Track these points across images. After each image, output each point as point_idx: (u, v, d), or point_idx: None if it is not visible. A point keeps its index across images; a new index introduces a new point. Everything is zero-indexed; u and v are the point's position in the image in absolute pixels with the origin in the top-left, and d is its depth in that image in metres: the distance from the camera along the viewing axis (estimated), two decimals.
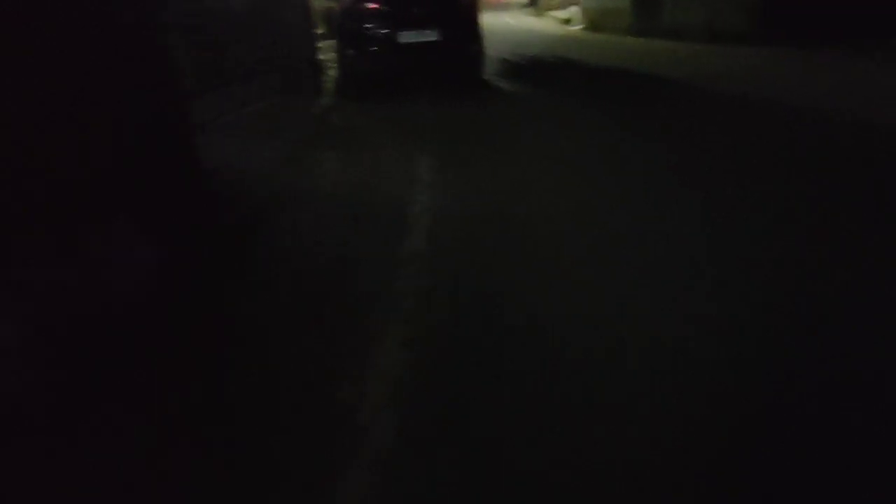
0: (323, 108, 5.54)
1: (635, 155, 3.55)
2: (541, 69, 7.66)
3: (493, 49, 6.35)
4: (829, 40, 7.67)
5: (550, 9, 18.33)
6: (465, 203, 3.00)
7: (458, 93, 5.92)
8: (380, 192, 3.25)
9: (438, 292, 2.11)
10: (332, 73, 6.94)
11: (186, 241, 2.50)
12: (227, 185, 3.40)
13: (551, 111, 5.04)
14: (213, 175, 3.44)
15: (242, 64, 5.69)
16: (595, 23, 12.58)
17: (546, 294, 2.02)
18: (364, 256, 2.44)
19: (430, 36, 5.46)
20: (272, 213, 2.98)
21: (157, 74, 2.50)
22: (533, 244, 2.46)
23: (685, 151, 3.53)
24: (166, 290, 2.14)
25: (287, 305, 2.09)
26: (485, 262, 2.34)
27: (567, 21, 14.39)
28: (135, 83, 2.30)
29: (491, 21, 5.88)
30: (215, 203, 2.82)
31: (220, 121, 4.90)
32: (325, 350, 1.78)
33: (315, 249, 2.53)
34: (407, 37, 5.45)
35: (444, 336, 1.83)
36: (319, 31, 8.62)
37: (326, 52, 7.66)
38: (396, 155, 3.95)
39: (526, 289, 2.08)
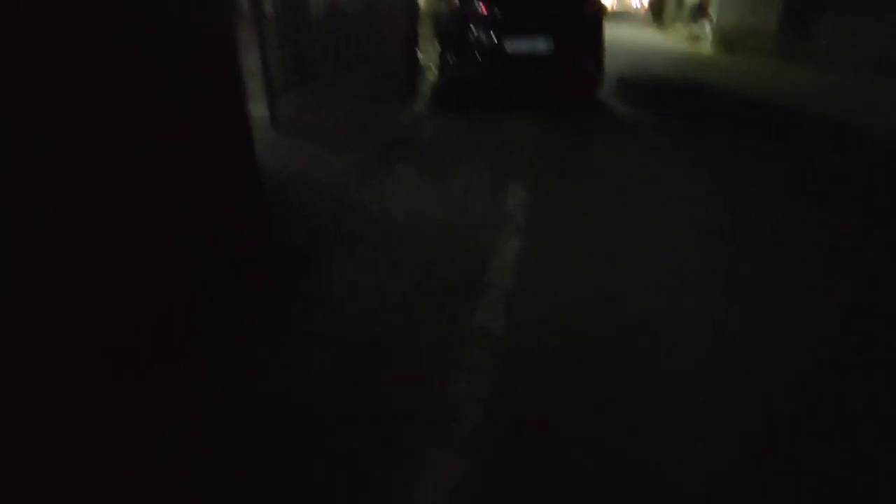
0: (414, 116, 5.11)
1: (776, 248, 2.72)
2: (662, 93, 6.72)
3: (608, 63, 5.56)
4: None
5: (675, 21, 16.84)
6: (560, 265, 2.38)
7: (567, 111, 5.24)
8: (458, 234, 2.71)
9: (508, 407, 1.53)
10: (432, 76, 6.54)
11: (225, 270, 2.13)
12: (291, 203, 3.04)
13: (670, 149, 4.23)
14: (279, 191, 3.10)
15: (337, 58, 5.44)
16: (730, 41, 11.18)
17: (665, 436, 1.38)
18: (420, 335, 1.90)
19: (544, 47, 4.82)
20: (328, 250, 2.54)
21: (225, 76, 2.15)
22: (648, 347, 1.80)
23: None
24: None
25: (302, 406, 1.59)
26: (576, 361, 1.73)
27: (696, 38, 13.01)
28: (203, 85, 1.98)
29: (609, 31, 5.12)
30: (266, 228, 2.44)
31: (304, 121, 4.65)
32: None
33: (362, 317, 2.02)
34: (516, 46, 4.85)
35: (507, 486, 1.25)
36: (424, 30, 8.29)
37: (429, 53, 7.28)
38: (485, 184, 3.40)
39: (635, 420, 1.45)
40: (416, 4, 6.32)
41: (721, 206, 2.98)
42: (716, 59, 10.34)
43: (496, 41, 4.88)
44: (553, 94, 5.61)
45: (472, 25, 4.90)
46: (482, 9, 4.87)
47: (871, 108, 5.53)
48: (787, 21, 9.83)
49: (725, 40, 11.38)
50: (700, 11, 12.88)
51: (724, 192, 3.20)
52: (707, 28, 12.68)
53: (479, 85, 5.39)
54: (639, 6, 29.55)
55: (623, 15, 24.61)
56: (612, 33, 7.98)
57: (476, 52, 4.94)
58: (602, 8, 4.97)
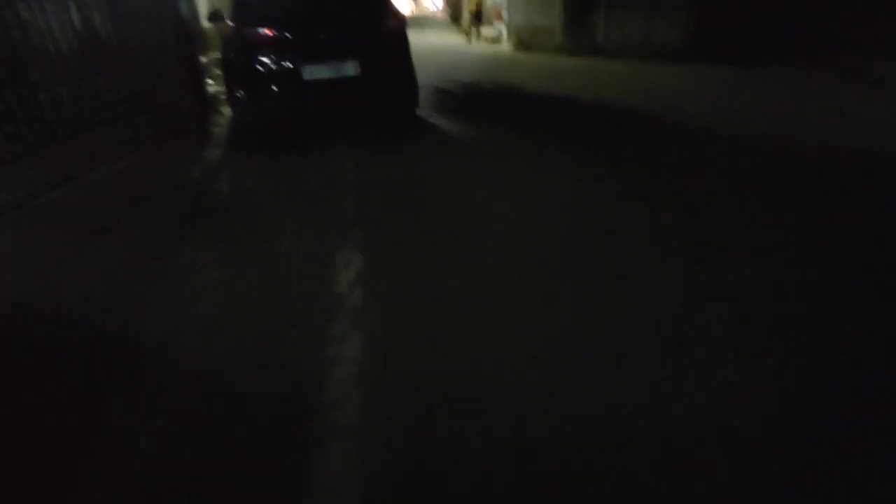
0: (206, 167, 4.13)
1: (642, 242, 2.53)
2: (481, 100, 6.64)
3: (420, 74, 5.20)
4: (753, 58, 8.09)
5: (469, 26, 17.65)
6: (421, 358, 1.82)
7: (389, 137, 4.72)
8: (279, 344, 1.99)
9: None
10: (228, 111, 5.54)
11: None
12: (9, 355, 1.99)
13: (507, 160, 3.98)
14: None
15: (93, 105, 4.20)
16: (524, 41, 11.90)
17: None
18: None
19: (348, 70, 4.21)
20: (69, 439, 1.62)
21: None
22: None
23: (705, 228, 2.56)
24: None
25: None
26: None
27: (495, 40, 13.66)
28: None
29: (413, 40, 4.70)
30: None
31: (38, 204, 3.42)
32: None
33: None
34: (316, 72, 4.16)
35: None
36: (210, 57, 7.13)
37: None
38: (305, 251, 2.70)
39: None
40: (184, 23, 5.22)
41: (574, 220, 2.71)
42: (514, 58, 10.87)
43: (291, 69, 4.13)
44: (369, 120, 5.04)
45: (258, 53, 4.08)
46: (267, 33, 4.07)
47: (646, 90, 6.13)
48: (568, 20, 10.71)
49: (520, 40, 12.08)
50: (477, 18, 14.15)
51: (572, 202, 2.96)
52: (502, 30, 13.38)
53: (281, 120, 4.59)
54: (435, 10, 30.72)
55: (422, 21, 25.26)
56: (417, 41, 7.73)
57: (268, 83, 4.13)
58: (405, 20, 4.53)
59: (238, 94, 4.22)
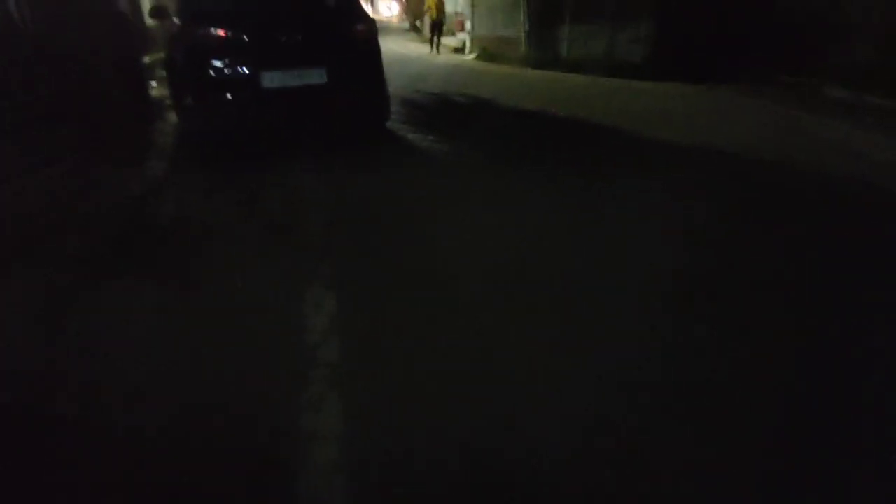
0: (146, 183, 3.62)
1: (637, 272, 2.29)
2: (450, 112, 6.37)
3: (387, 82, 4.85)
4: (709, 76, 8.22)
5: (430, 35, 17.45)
6: (415, 434, 1.47)
7: (357, 152, 4.34)
8: (239, 414, 1.60)
9: None
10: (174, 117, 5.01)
11: None
12: None
13: (484, 180, 3.69)
14: None
15: (10, 109, 3.61)
16: (489, 52, 11.77)
17: None
18: None
19: (314, 77, 3.81)
20: None
21: None
22: None
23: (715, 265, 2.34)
24: None
25: None
26: None
27: (459, 49, 13.48)
28: None
29: None
30: None
31: None
32: None
33: None
34: (277, 79, 3.74)
35: None
36: (154, 57, 6.51)
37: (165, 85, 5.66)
38: (266, 291, 2.30)
39: None
40: (123, 18, 4.67)
41: (565, 253, 2.44)
42: (479, 69, 10.72)
43: (248, 75, 3.69)
44: (335, 134, 4.64)
45: (209, 56, 3.61)
46: (220, 33, 3.62)
47: (615, 105, 6.06)
48: (532, 33, 10.66)
49: (485, 51, 11.94)
50: (435, 26, 13.89)
51: (559, 232, 2.69)
52: (466, 40, 13.23)
53: (235, 132, 4.13)
54: (390, 16, 30.26)
55: (379, 27, 24.91)
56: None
57: (221, 90, 3.67)
58: (375, 25, 4.17)
59: (186, 102, 3.74)
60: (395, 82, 7.64)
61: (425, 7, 15.53)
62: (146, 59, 6.46)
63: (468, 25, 13.21)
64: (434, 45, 13.99)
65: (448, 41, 14.74)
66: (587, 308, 2.12)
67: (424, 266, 2.47)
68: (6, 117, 3.54)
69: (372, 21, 4.16)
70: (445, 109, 6.55)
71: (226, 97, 3.68)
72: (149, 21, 6.75)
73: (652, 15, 9.09)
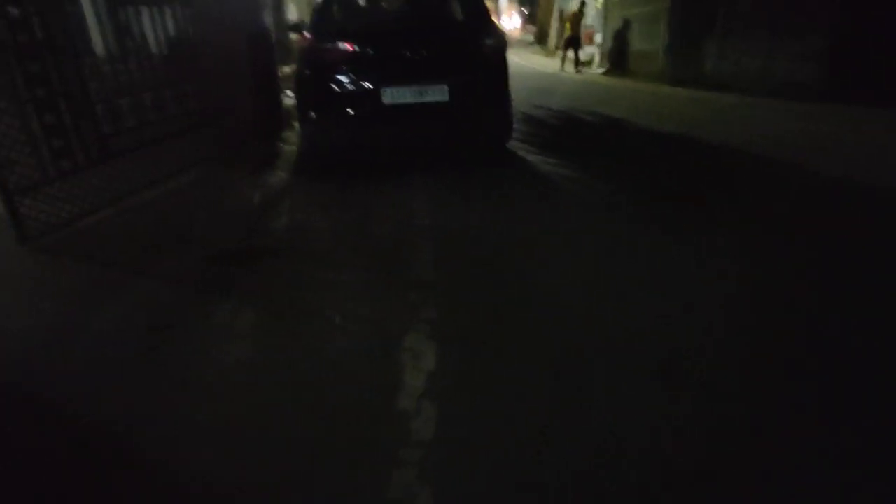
0: (270, 196, 3.65)
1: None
2: (576, 133, 5.88)
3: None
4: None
5: (556, 47, 16.89)
6: None
7: (475, 174, 4.04)
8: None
9: None
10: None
11: None
12: None
13: (613, 219, 3.18)
14: None
15: (157, 119, 3.85)
16: (620, 66, 10.99)
17: None
18: None
19: (435, 95, 3.61)
20: None
21: None
22: None
23: None
24: None
25: None
26: None
27: (587, 63, 12.81)
28: None
29: None
30: None
31: (83, 223, 3.03)
32: None
33: None
34: (397, 95, 3.58)
35: None
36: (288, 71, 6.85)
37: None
38: (363, 331, 2.05)
39: None
40: (266, 30, 4.86)
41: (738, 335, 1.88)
42: (609, 85, 10.02)
43: (370, 91, 3.58)
44: (453, 153, 4.40)
45: (332, 71, 3.56)
46: (346, 48, 3.55)
47: (781, 136, 5.05)
48: (674, 46, 9.73)
49: (615, 65, 11.19)
50: (570, 42, 12.54)
51: (725, 300, 2.12)
52: (595, 54, 12.55)
53: (354, 146, 4.06)
54: (513, 29, 29.91)
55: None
56: None
57: (343, 105, 3.60)
58: (506, 41, 3.87)
59: (309, 115, 3.73)
60: (518, 96, 7.31)
61: (563, 19, 14.33)
62: (286, 70, 6.80)
63: (598, 38, 12.52)
64: (564, 61, 12.91)
65: (572, 54, 14.13)
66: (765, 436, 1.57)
67: (539, 328, 2.07)
68: (159, 129, 3.77)
69: (501, 36, 3.85)
70: (570, 129, 6.07)
71: (346, 112, 3.61)
72: (292, 35, 7.14)
73: (826, 26, 7.75)
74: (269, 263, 2.70)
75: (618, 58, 11.25)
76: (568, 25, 12.69)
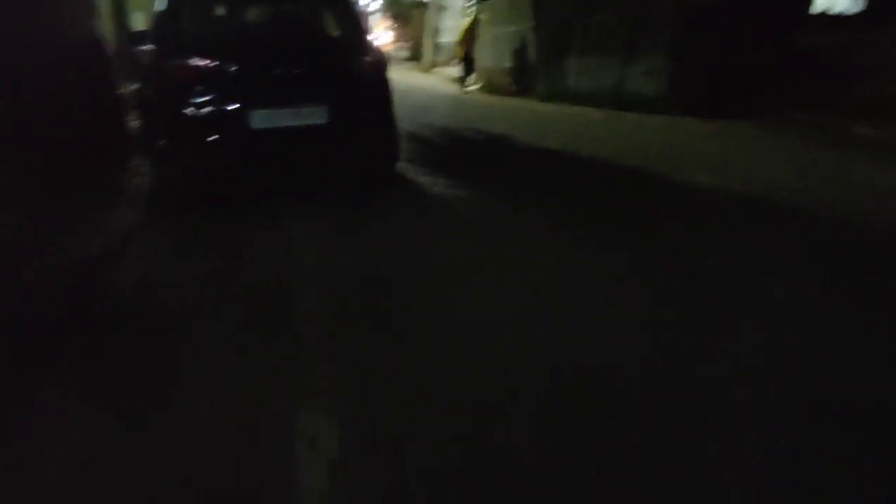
0: (106, 242, 2.98)
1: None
2: (462, 150, 5.84)
3: None
4: (727, 111, 7.77)
5: (436, 65, 17.16)
6: None
7: (357, 201, 3.73)
8: None
9: None
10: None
11: None
12: None
13: (512, 238, 3.09)
14: None
15: None
16: (493, 83, 11.38)
17: None
18: None
19: (313, 117, 3.23)
20: None
21: None
22: None
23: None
24: None
25: None
26: None
27: (462, 80, 13.08)
28: None
29: None
30: None
31: None
32: None
33: None
34: (269, 119, 3.15)
35: None
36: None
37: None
38: (242, 419, 1.65)
39: None
40: (99, 41, 4.07)
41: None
42: (484, 101, 10.30)
43: (235, 114, 3.09)
44: (336, 179, 4.04)
45: (186, 91, 3.03)
46: (202, 63, 3.03)
47: (643, 144, 5.52)
48: (540, 64, 10.28)
49: (490, 82, 11.56)
50: (467, 61, 12.01)
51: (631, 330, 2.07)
52: (470, 71, 12.85)
53: (218, 178, 3.53)
54: (384, 44, 29.43)
55: None
56: None
57: (201, 131, 3.07)
58: (385, 58, 3.61)
59: (159, 144, 3.14)
60: (400, 112, 7.15)
61: (457, 40, 12.40)
62: (128, 88, 5.88)
63: (476, 56, 12.85)
64: (466, 83, 11.96)
65: (448, 71, 14.42)
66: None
67: (452, 378, 1.84)
68: None
69: (381, 53, 3.60)
70: (456, 147, 6.02)
71: (206, 139, 3.08)
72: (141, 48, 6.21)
73: (667, 47, 8.71)
74: (112, 334, 2.14)
75: (490, 75, 11.64)
76: (461, 46, 12.00)
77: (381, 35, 31.04)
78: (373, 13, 32.91)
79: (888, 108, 7.09)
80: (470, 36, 11.65)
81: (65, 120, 3.85)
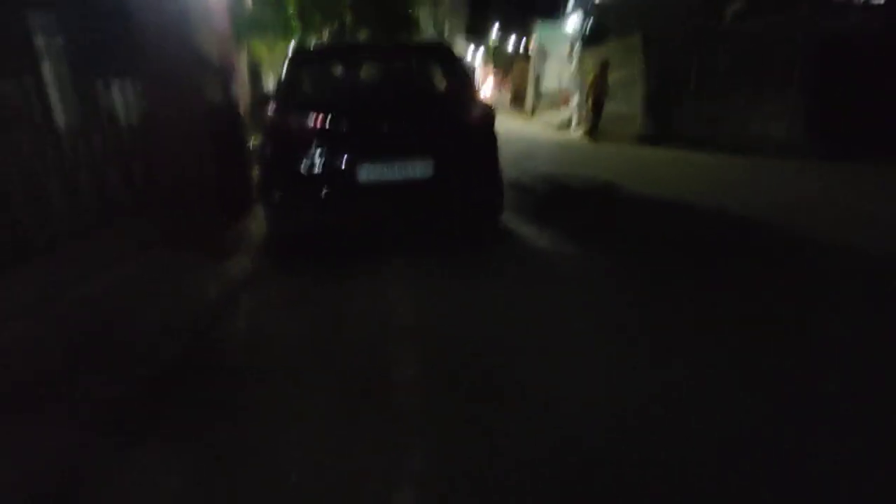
0: (218, 292, 3.10)
1: None
2: (567, 200, 5.57)
3: None
4: (874, 154, 6.66)
5: (535, 111, 17.16)
6: None
7: (467, 259, 3.54)
8: None
9: None
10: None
11: None
12: None
13: (626, 309, 2.74)
14: None
15: (98, 203, 3.36)
16: (600, 128, 11.01)
17: None
18: None
19: (418, 171, 3.21)
20: None
21: None
22: None
23: None
24: None
25: None
26: None
27: (565, 126, 12.90)
28: None
29: None
30: None
31: None
32: None
33: None
34: (375, 172, 3.17)
35: None
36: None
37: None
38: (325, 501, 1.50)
39: None
40: (233, 100, 4.42)
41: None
42: (589, 147, 9.95)
43: (344, 168, 3.16)
44: (440, 233, 3.98)
45: (300, 146, 3.15)
46: (316, 119, 3.15)
47: (780, 199, 4.79)
48: (652, 107, 9.78)
49: (594, 127, 11.20)
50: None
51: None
52: (573, 115, 12.65)
53: (326, 229, 3.60)
54: (488, 92, 29.89)
55: None
56: None
57: (312, 184, 3.16)
58: (493, 111, 3.52)
59: (273, 195, 3.28)
60: (504, 163, 7.08)
61: (587, 82, 10.93)
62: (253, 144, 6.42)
63: (575, 100, 12.67)
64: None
65: (551, 117, 14.30)
66: None
67: (565, 469, 1.54)
68: (101, 214, 3.28)
69: (488, 106, 3.52)
70: (559, 196, 5.76)
71: (316, 191, 3.16)
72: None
73: (801, 83, 7.84)
74: (212, 387, 2.14)
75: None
76: (592, 88, 10.68)
77: (487, 84, 31.93)
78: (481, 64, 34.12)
79: None
80: (599, 81, 10.54)
81: (201, 173, 4.22)
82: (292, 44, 6.43)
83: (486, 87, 30.91)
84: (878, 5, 9.66)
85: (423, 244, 3.84)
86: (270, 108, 3.37)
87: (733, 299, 2.76)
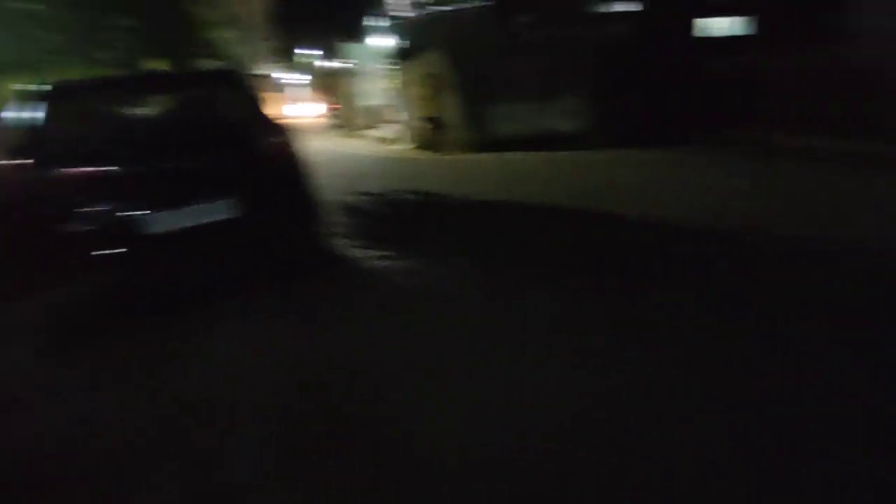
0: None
1: None
2: (403, 215, 5.54)
3: (322, 186, 3.83)
4: (648, 140, 8.13)
5: (358, 128, 17.05)
6: None
7: (283, 295, 3.25)
8: None
9: None
10: None
11: None
12: None
13: (472, 318, 2.76)
14: None
15: None
16: (425, 140, 11.36)
17: None
18: None
19: (219, 211, 2.82)
20: None
21: None
22: None
23: None
24: None
25: None
26: None
27: (392, 140, 13.06)
28: None
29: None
30: None
31: None
32: None
33: None
34: (170, 220, 2.71)
35: None
36: None
37: None
38: None
39: None
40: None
41: None
42: (420, 159, 10.22)
43: (125, 221, 2.62)
44: (254, 273, 3.55)
45: (62, 203, 2.52)
46: (83, 172, 2.55)
47: (585, 182, 5.47)
48: (469, 118, 10.36)
49: (421, 139, 11.53)
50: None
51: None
52: (398, 130, 12.86)
53: (116, 297, 3.00)
54: (318, 114, 28.74)
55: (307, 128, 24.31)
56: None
57: (83, 248, 2.56)
58: (288, 132, 3.20)
59: (35, 272, 2.59)
60: (330, 182, 6.82)
61: (413, 96, 11.06)
62: None
63: (399, 114, 12.91)
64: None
65: (376, 133, 14.41)
66: None
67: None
68: None
69: (284, 130, 3.24)
70: (395, 212, 5.70)
71: (92, 257, 2.58)
72: None
73: (581, 87, 9.23)
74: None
75: (420, 132, 11.64)
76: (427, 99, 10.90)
77: (314, 106, 30.57)
78: (305, 86, 32.83)
79: (794, 120, 7.63)
80: (430, 95, 10.61)
81: None
82: (18, 85, 4.99)
83: (318, 109, 29.72)
84: (637, 13, 11.77)
85: (239, 292, 3.38)
86: (14, 165, 2.64)
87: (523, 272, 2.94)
